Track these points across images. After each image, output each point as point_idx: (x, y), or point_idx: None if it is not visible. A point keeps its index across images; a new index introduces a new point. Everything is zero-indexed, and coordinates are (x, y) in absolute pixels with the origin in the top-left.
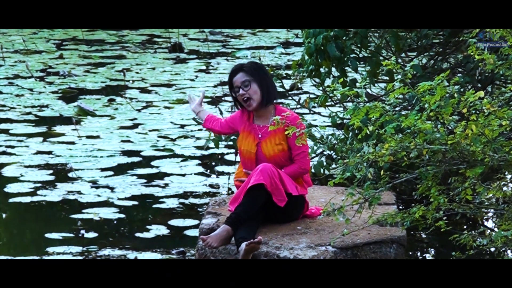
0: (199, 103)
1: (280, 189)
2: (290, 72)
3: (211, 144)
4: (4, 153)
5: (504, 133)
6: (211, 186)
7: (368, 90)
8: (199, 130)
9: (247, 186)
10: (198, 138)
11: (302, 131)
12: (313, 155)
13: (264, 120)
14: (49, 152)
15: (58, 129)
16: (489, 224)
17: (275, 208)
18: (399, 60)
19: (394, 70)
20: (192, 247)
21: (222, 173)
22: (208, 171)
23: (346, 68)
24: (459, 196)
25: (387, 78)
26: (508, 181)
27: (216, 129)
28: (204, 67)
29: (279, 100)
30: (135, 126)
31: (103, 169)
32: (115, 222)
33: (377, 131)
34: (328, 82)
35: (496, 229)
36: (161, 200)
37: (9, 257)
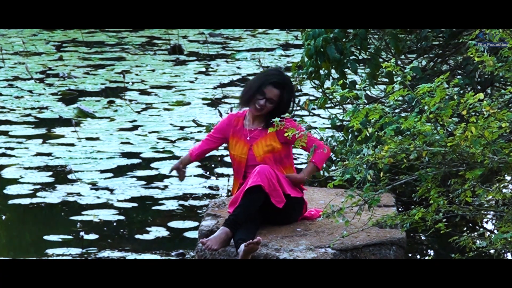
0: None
1: (278, 190)
2: (289, 74)
3: None
4: (3, 154)
5: (503, 135)
6: (210, 188)
7: (367, 92)
8: (198, 132)
9: (245, 188)
10: (197, 140)
11: (302, 133)
12: None
13: (258, 124)
14: (49, 154)
15: (58, 131)
16: (489, 226)
17: (273, 210)
18: (399, 62)
19: (393, 72)
20: (192, 249)
21: (222, 175)
22: (208, 173)
23: (345, 70)
24: (459, 198)
25: (387, 80)
26: (508, 183)
27: (206, 148)
28: (203, 69)
29: None
30: (135, 128)
31: (102, 171)
32: (114, 224)
33: (376, 133)
34: (327, 84)
35: (495, 231)
36: (160, 202)
37: (8, 259)
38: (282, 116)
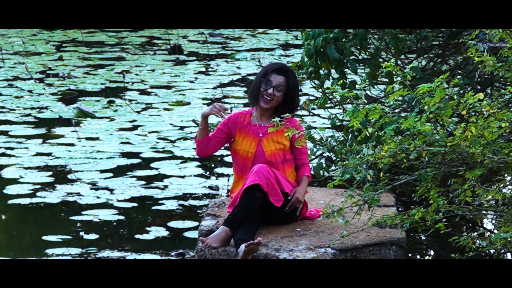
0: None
1: (276, 189)
2: None
3: None
4: (3, 154)
5: (503, 135)
6: (210, 188)
7: (367, 92)
8: None
9: (243, 187)
10: None
11: (302, 133)
12: (313, 157)
13: (266, 120)
14: (49, 154)
15: (58, 130)
16: (489, 226)
17: (272, 209)
18: (399, 62)
19: (393, 72)
20: (192, 249)
21: (222, 175)
22: (208, 173)
23: (345, 70)
24: (459, 198)
25: (387, 80)
26: (508, 183)
27: (211, 146)
28: (203, 69)
29: None
30: (135, 128)
31: (102, 171)
32: (114, 224)
33: (376, 133)
34: (327, 84)
35: (495, 231)
36: (160, 202)
37: (8, 259)
38: (288, 112)
